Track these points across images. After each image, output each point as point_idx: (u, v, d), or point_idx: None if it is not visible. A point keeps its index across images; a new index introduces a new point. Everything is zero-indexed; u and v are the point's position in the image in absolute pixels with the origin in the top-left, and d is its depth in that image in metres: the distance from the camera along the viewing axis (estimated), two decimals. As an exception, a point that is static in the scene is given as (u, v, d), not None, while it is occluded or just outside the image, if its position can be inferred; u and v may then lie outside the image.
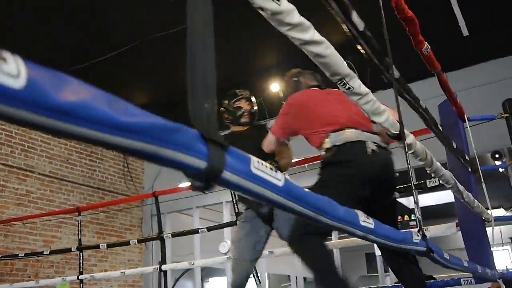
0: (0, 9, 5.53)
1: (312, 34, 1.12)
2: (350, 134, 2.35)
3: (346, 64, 1.30)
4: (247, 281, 3.16)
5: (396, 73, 1.63)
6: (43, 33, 6.05)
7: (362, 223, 0.94)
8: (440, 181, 2.51)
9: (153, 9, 5.73)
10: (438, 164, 2.24)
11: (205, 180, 0.56)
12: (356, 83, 1.35)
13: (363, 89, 1.40)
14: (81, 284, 5.48)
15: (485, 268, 2.73)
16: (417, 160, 2.04)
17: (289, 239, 2.25)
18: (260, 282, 4.35)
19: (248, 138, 3.32)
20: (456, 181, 2.48)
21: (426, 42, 2.30)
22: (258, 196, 0.65)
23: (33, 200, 7.69)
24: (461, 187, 2.57)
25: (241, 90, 3.61)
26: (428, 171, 2.30)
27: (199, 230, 4.94)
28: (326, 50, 1.19)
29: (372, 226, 0.97)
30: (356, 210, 0.95)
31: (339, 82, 1.31)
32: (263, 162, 0.63)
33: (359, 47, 1.41)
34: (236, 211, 4.63)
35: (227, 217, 8.24)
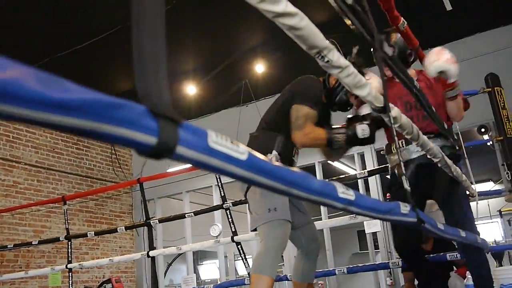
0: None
1: (285, 5, 1.07)
2: None
3: (323, 36, 1.25)
4: None
5: (389, 51, 1.59)
6: (22, 20, 5.93)
7: (341, 195, 0.91)
8: (428, 155, 2.48)
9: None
10: (425, 137, 2.20)
11: (158, 156, 0.52)
12: (335, 56, 1.30)
13: (343, 61, 1.36)
14: (70, 273, 5.46)
15: (484, 239, 2.74)
16: (404, 134, 2.00)
17: None
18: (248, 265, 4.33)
19: None
20: (444, 155, 2.46)
21: (402, 18, 2.25)
22: (219, 171, 0.61)
23: (20, 191, 7.63)
24: (449, 161, 2.55)
25: None
26: (415, 145, 2.28)
27: (186, 215, 4.91)
28: (301, 22, 1.14)
29: (352, 198, 0.95)
30: (334, 182, 0.92)
31: (317, 55, 1.26)
32: (223, 136, 0.60)
33: (348, 21, 1.36)
34: (222, 194, 4.58)
35: (217, 200, 8.23)
